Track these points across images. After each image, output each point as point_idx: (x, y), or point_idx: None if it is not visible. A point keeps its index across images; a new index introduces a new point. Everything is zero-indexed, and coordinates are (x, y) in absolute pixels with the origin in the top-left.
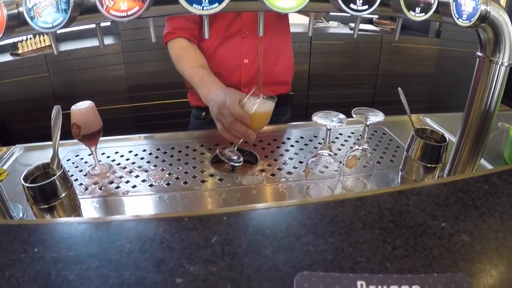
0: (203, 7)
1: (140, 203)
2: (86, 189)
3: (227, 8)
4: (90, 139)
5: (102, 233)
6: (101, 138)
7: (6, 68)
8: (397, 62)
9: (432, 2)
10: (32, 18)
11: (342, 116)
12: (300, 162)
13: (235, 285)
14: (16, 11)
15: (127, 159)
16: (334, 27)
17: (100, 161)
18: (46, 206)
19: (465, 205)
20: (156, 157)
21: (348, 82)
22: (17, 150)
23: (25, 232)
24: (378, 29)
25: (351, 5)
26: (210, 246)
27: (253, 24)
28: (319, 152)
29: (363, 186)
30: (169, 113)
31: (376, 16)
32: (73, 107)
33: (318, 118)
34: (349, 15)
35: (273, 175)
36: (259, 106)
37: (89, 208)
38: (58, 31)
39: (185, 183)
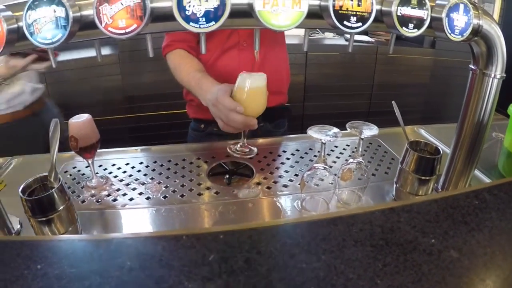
0: (199, 25)
1: (137, 216)
2: (84, 201)
3: (223, 26)
4: (87, 151)
5: (104, 250)
6: (98, 150)
7: None
8: (392, 73)
9: (425, 18)
10: (31, 34)
11: (336, 130)
12: (296, 175)
13: None
14: (16, 25)
15: (124, 172)
16: (330, 39)
17: (97, 173)
18: (44, 218)
19: (454, 221)
20: (153, 170)
21: (343, 93)
22: (14, 161)
23: (27, 249)
24: (373, 40)
25: (345, 23)
26: (207, 263)
27: (250, 36)
28: (314, 165)
29: (358, 198)
30: (166, 124)
31: None
32: (71, 120)
33: (313, 132)
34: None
35: (269, 188)
36: (250, 82)
37: (87, 221)
38: None
39: (182, 196)
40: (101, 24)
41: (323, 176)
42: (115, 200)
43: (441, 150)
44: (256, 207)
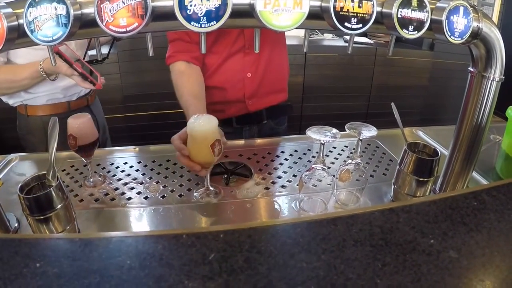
0: (201, 24)
1: (135, 216)
2: (82, 200)
3: (224, 26)
4: (86, 150)
5: (103, 249)
6: (96, 149)
7: None
8: (391, 75)
9: (425, 20)
10: (32, 31)
11: (335, 130)
12: (294, 175)
13: None
14: (16, 23)
15: (123, 171)
16: (329, 40)
17: (95, 172)
18: (42, 217)
19: (453, 222)
20: (152, 169)
21: (342, 94)
22: (12, 159)
23: (26, 247)
24: (372, 42)
25: (346, 24)
26: (208, 263)
27: (254, 39)
28: (313, 166)
29: (356, 199)
30: (165, 123)
31: None
32: (69, 118)
33: (312, 133)
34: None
35: (267, 188)
36: (194, 127)
37: (85, 220)
38: None
39: (180, 196)
40: (102, 22)
41: (322, 177)
42: (113, 199)
43: (439, 152)
44: (254, 207)
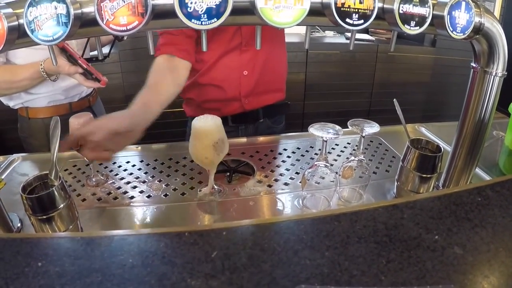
0: (201, 22)
1: (138, 215)
2: (84, 200)
3: (225, 23)
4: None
5: (105, 247)
6: None
7: None
8: (392, 71)
9: (427, 15)
10: (32, 31)
11: (338, 127)
12: (297, 173)
13: None
14: (16, 23)
15: (125, 170)
16: (330, 37)
17: (98, 171)
18: (44, 217)
19: (458, 218)
20: (154, 168)
21: (344, 91)
22: (14, 159)
23: (27, 246)
24: (374, 39)
25: (347, 20)
26: (210, 260)
27: (252, 37)
28: (315, 163)
29: (359, 196)
30: (166, 122)
31: None
32: (71, 118)
33: (315, 129)
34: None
35: (270, 186)
36: (198, 124)
37: (87, 220)
38: None
39: (183, 194)
40: (102, 21)
41: (324, 174)
42: (115, 198)
43: (442, 148)
44: (257, 205)
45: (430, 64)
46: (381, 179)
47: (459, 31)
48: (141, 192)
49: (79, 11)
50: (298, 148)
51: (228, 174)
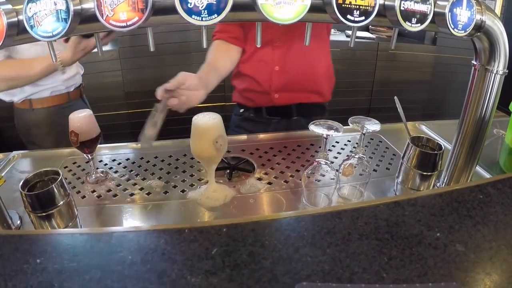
0: (202, 18)
1: (138, 212)
2: (84, 197)
3: (226, 19)
4: (87, 146)
5: (104, 244)
6: (98, 146)
7: None
8: (393, 69)
9: (428, 12)
10: (32, 27)
11: (338, 125)
12: (297, 170)
13: None
14: (16, 19)
15: (125, 167)
16: (331, 35)
17: (97, 168)
18: (44, 214)
19: (459, 215)
20: (154, 165)
21: (344, 89)
22: (14, 156)
23: (26, 243)
24: (375, 36)
25: (348, 16)
26: (210, 257)
27: (284, 34)
28: (316, 160)
29: (359, 194)
30: (167, 119)
31: None
32: (71, 115)
33: (315, 127)
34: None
35: (270, 183)
36: (198, 121)
37: (87, 216)
38: None
39: (183, 191)
40: (102, 16)
41: (325, 172)
42: (115, 195)
43: (443, 146)
44: (257, 202)
45: (430, 62)
46: (381, 176)
47: (460, 29)
48: (141, 189)
49: (79, 7)
50: (299, 145)
51: (228, 171)
